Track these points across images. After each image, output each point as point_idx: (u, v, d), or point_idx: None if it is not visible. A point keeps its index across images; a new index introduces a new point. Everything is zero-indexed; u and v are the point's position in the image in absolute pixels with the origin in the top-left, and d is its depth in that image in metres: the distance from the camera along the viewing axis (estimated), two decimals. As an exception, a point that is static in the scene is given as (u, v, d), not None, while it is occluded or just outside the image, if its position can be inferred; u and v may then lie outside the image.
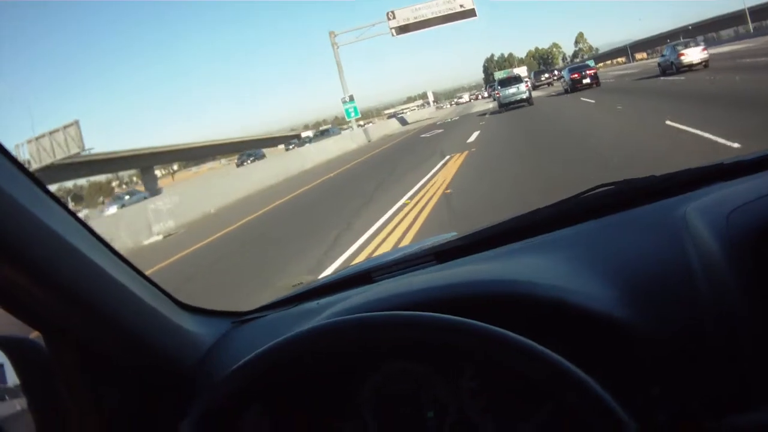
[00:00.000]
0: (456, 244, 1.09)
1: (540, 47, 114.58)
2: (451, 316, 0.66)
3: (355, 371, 0.76)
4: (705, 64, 21.09)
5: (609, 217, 0.98)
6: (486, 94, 64.42)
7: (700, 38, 26.67)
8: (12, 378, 0.81)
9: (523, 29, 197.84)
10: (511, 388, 0.68)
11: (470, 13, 34.77)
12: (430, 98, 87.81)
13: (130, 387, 0.84)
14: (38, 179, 0.73)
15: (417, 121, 45.11)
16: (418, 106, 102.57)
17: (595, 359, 0.69)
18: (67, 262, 0.72)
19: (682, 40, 26.31)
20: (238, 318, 1.08)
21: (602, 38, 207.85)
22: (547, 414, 0.68)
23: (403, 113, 70.23)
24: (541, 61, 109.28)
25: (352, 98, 33.97)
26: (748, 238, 0.70)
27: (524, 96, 25.46)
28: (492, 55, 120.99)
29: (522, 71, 29.64)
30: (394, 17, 34.84)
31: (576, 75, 27.15)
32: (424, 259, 1.09)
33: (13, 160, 0.70)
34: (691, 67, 21.13)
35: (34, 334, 0.80)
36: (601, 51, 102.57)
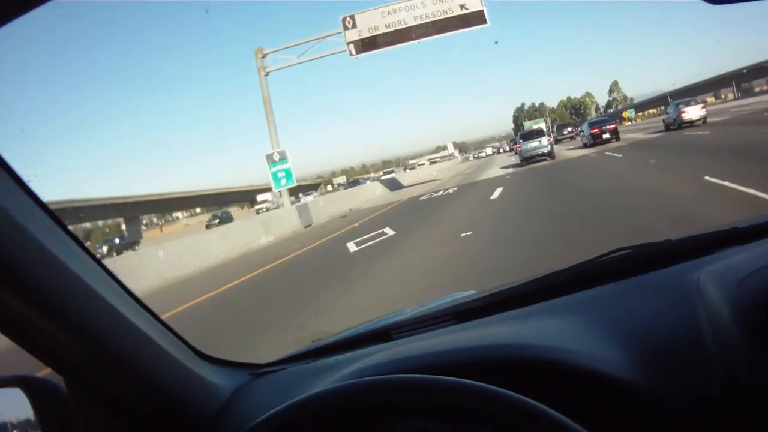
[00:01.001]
0: (475, 304, 1.15)
1: (572, 96, 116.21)
2: (469, 380, 0.69)
3: (374, 429, 0.78)
4: (703, 120, 25.31)
5: (625, 281, 1.03)
6: (507, 148, 65.17)
7: (699, 98, 30.06)
8: (30, 416, 0.85)
9: (556, 77, 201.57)
10: None
11: (478, 19, 20.89)
12: (450, 149, 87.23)
13: None
14: (64, 225, 0.78)
15: (417, 183, 36.57)
16: (441, 157, 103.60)
17: (609, 422, 0.75)
18: (90, 308, 0.77)
19: (683, 99, 29.78)
20: (257, 370, 1.13)
21: (637, 88, 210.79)
22: None
23: (415, 167, 71.69)
24: (573, 111, 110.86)
25: (283, 157, 20.92)
26: (758, 305, 0.74)
27: (546, 150, 26.96)
28: (522, 104, 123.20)
29: (542, 124, 31.04)
30: (353, 25, 21.19)
31: (596, 130, 28.67)
32: (443, 318, 1.14)
33: (48, 210, 0.76)
34: (691, 123, 25.27)
35: (52, 374, 0.84)
36: (636, 101, 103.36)
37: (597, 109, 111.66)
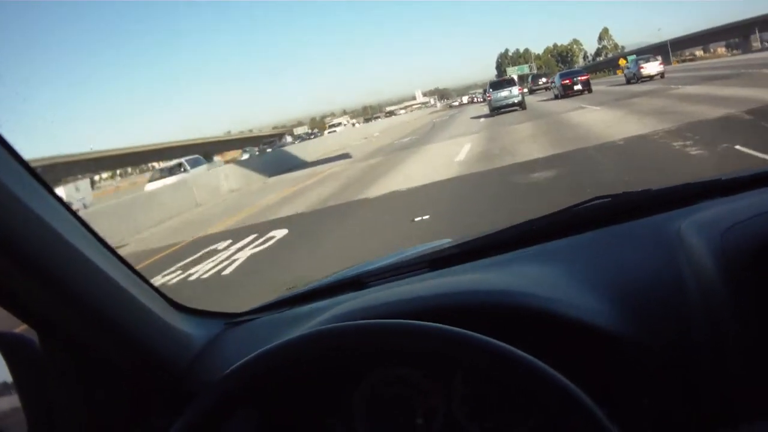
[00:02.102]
0: (450, 251, 1.17)
1: (559, 43, 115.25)
2: (444, 325, 0.70)
3: (348, 376, 0.82)
4: (661, 75, 29.47)
5: (605, 229, 1.05)
6: (480, 98, 63.77)
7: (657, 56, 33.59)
8: (4, 374, 0.85)
9: (542, 23, 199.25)
10: (501, 396, 0.75)
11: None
12: (420, 98, 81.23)
13: (121, 385, 0.90)
14: (38, 173, 0.78)
15: (361, 140, 33.74)
16: (420, 105, 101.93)
17: (586, 370, 0.75)
18: (61, 258, 0.78)
19: (643, 56, 34.26)
20: (231, 319, 1.17)
21: (630, 36, 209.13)
22: (534, 423, 0.75)
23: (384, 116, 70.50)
24: (559, 59, 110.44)
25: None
26: (743, 257, 0.76)
27: (516, 100, 27.12)
28: (506, 51, 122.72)
29: (514, 75, 30.80)
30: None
31: (568, 81, 29.14)
32: (418, 266, 1.17)
33: (13, 152, 0.75)
34: (651, 77, 29.37)
35: (26, 329, 0.84)
36: (627, 50, 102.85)
37: (585, 57, 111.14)
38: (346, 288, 1.19)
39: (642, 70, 29.61)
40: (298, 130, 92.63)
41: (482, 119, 27.02)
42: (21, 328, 0.86)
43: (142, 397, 0.91)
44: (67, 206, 0.83)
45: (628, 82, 31.48)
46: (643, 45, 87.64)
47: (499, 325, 0.78)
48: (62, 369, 0.86)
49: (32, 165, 0.78)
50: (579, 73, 30.64)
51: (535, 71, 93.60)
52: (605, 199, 1.14)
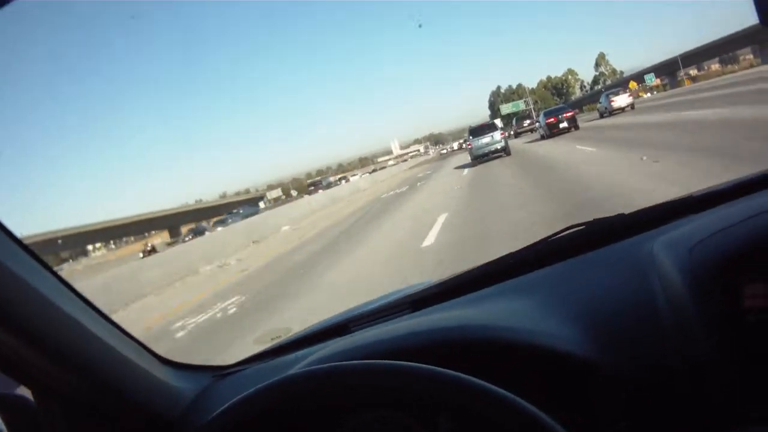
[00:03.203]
0: (430, 291, 1.24)
1: (554, 75, 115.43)
2: (422, 364, 0.73)
3: (329, 418, 0.83)
4: (631, 106, 32.57)
5: (580, 257, 1.10)
6: (455, 146, 61.76)
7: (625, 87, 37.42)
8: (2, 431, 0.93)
9: (533, 56, 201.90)
10: None
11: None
12: (395, 149, 77.28)
13: None
14: (21, 241, 0.86)
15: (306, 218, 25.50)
16: (414, 152, 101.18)
17: (566, 398, 0.81)
18: (51, 321, 0.84)
19: (612, 90, 37.49)
20: (219, 372, 1.24)
21: (627, 60, 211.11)
22: None
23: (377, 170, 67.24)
24: (555, 92, 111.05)
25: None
26: (709, 271, 0.80)
27: (499, 146, 26.08)
28: (498, 88, 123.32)
29: (497, 121, 28.82)
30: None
31: (552, 119, 28.42)
32: (400, 308, 1.23)
33: (2, 226, 0.83)
34: (622, 110, 32.45)
35: (20, 387, 0.93)
36: (627, 73, 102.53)
37: (582, 87, 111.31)
38: (331, 334, 1.26)
39: (612, 103, 33.29)
40: (272, 194, 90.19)
41: (465, 170, 25.11)
42: (20, 388, 0.94)
43: None
44: (54, 272, 0.91)
45: (601, 116, 34.83)
46: (646, 66, 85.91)
47: (478, 360, 0.85)
48: (57, 424, 0.93)
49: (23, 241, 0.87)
50: (563, 109, 29.96)
51: (531, 106, 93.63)
52: (579, 227, 1.19)
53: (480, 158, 26.49)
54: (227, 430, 0.80)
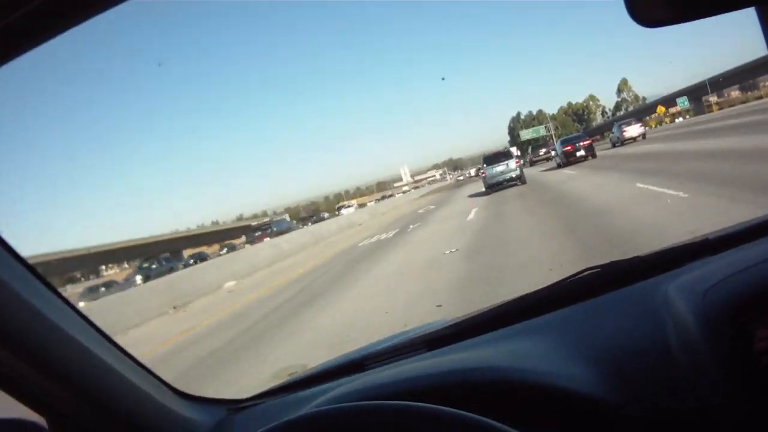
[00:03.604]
0: (446, 331, 1.25)
1: (573, 101, 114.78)
2: (437, 405, 0.74)
3: None
4: (643, 136, 33.47)
5: (596, 299, 1.12)
6: (472, 173, 60.55)
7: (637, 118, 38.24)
8: None
9: (554, 83, 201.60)
10: None
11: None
12: (405, 176, 74.30)
13: None
14: (38, 272, 0.87)
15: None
16: (431, 178, 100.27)
17: None
18: (66, 352, 0.86)
19: (624, 120, 38.26)
20: (234, 405, 1.26)
21: (649, 86, 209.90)
22: None
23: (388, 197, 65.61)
24: (576, 118, 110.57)
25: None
26: (722, 315, 0.81)
27: (514, 174, 25.54)
28: (518, 114, 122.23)
29: (513, 149, 27.92)
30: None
31: (569, 147, 28.13)
32: (416, 346, 1.25)
33: (12, 252, 0.84)
34: (634, 140, 33.26)
35: (35, 416, 0.93)
36: (650, 99, 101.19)
37: (603, 113, 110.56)
38: (347, 371, 1.27)
39: (624, 133, 34.11)
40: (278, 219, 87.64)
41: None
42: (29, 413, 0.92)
43: None
44: (69, 303, 0.93)
45: (614, 145, 35.14)
46: (668, 93, 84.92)
47: (494, 402, 0.88)
48: None
49: (32, 262, 0.88)
50: (580, 137, 29.62)
51: (552, 132, 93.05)
52: (595, 270, 1.20)
53: (494, 187, 25.98)
54: None
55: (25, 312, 0.82)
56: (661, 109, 68.51)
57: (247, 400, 1.29)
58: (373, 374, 1.18)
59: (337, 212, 64.24)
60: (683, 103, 66.98)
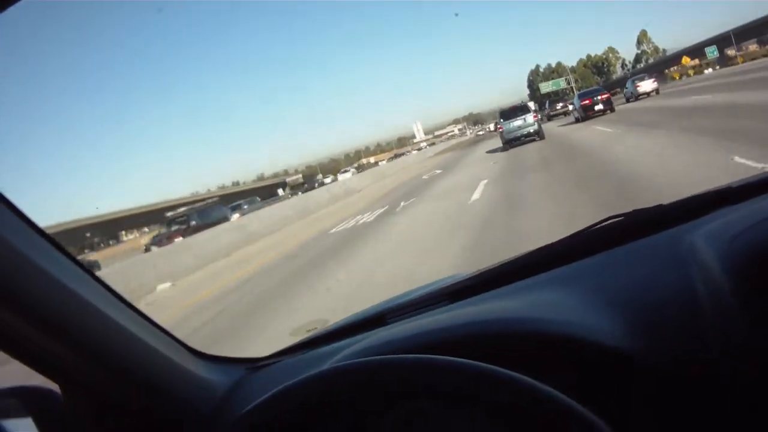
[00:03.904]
0: (468, 283, 1.27)
1: (593, 53, 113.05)
2: (457, 358, 0.76)
3: (369, 411, 0.85)
4: (656, 91, 34.69)
5: (619, 248, 1.12)
6: (491, 128, 59.96)
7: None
8: (30, 426, 0.96)
9: (573, 34, 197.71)
10: (523, 427, 0.74)
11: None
12: (418, 134, 66.04)
13: None
14: (48, 235, 0.87)
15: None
16: (450, 133, 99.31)
17: (605, 391, 0.83)
18: (79, 315, 0.86)
19: (638, 75, 39.76)
20: (253, 365, 1.27)
21: (669, 37, 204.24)
22: None
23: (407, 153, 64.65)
24: (595, 71, 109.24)
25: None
26: (750, 262, 0.81)
27: (532, 129, 25.47)
28: (537, 66, 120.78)
29: (531, 104, 27.16)
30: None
31: (587, 101, 28.25)
32: (437, 299, 1.26)
33: (22, 215, 0.84)
34: (648, 95, 34.31)
35: (47, 382, 0.93)
36: (670, 52, 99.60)
37: (623, 65, 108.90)
38: (367, 326, 1.27)
39: (638, 88, 35.10)
40: (293, 180, 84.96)
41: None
42: (41, 379, 0.91)
43: None
44: (83, 266, 0.92)
45: (627, 101, 36.09)
46: (691, 44, 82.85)
47: (516, 353, 0.87)
48: (86, 420, 0.94)
49: (49, 231, 0.87)
50: (599, 91, 29.56)
51: (572, 84, 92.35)
52: (618, 218, 1.20)
53: (511, 142, 25.88)
54: (264, 422, 0.82)
55: (36, 276, 0.82)
56: (686, 59, 65.39)
57: (265, 358, 1.29)
58: (394, 328, 1.18)
59: (335, 177, 59.79)
60: (713, 52, 64.26)
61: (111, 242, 69.93)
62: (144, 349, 0.97)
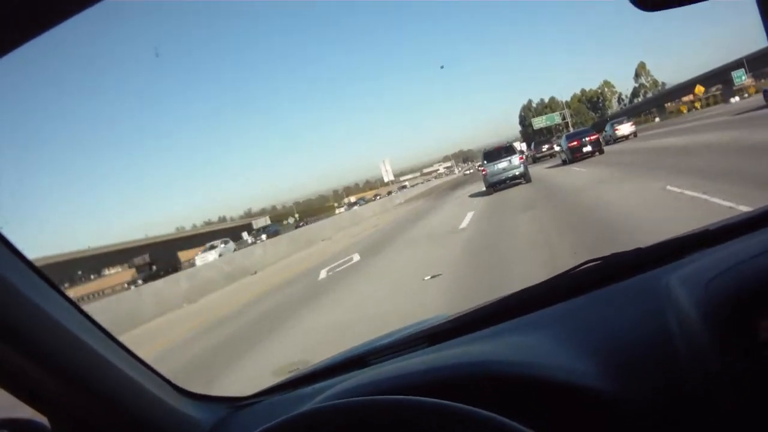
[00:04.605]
0: (447, 326, 1.29)
1: (588, 88, 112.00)
2: (437, 399, 0.77)
3: None
4: (634, 134, 36.25)
5: (597, 291, 1.14)
6: (467, 170, 57.21)
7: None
8: None
9: (567, 68, 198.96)
10: None
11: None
12: (386, 175, 58.67)
13: None
14: (41, 271, 0.89)
15: None
16: (436, 173, 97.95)
17: (582, 430, 0.85)
18: (70, 350, 0.88)
19: (616, 119, 42.15)
20: (236, 403, 1.28)
21: (668, 71, 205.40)
22: None
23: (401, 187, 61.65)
24: (590, 106, 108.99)
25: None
26: (725, 305, 0.82)
27: (518, 171, 23.88)
28: (529, 102, 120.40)
29: (517, 144, 26.29)
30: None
31: (575, 142, 27.31)
32: (417, 342, 1.29)
33: (16, 251, 0.86)
34: (626, 138, 35.77)
35: (36, 414, 0.94)
36: (669, 85, 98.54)
37: (620, 99, 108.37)
38: (349, 367, 1.30)
39: (617, 131, 36.86)
40: (259, 222, 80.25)
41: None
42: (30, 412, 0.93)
43: None
44: (72, 301, 0.95)
45: (606, 143, 35.79)
46: (695, 75, 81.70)
47: (496, 396, 0.90)
48: None
49: (36, 263, 0.90)
50: (587, 132, 28.70)
51: (568, 119, 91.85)
52: (596, 262, 1.24)
53: (496, 185, 24.15)
54: None
55: (27, 309, 0.83)
56: (699, 88, 61.58)
57: (248, 397, 1.31)
58: (375, 369, 1.20)
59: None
60: (740, 78, 58.27)
61: (93, 276, 69.54)
62: (130, 384, 0.98)
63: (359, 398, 0.85)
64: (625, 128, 37.13)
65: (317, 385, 1.24)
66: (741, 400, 0.77)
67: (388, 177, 58.56)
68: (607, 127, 39.52)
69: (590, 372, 0.91)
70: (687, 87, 73.70)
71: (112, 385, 0.95)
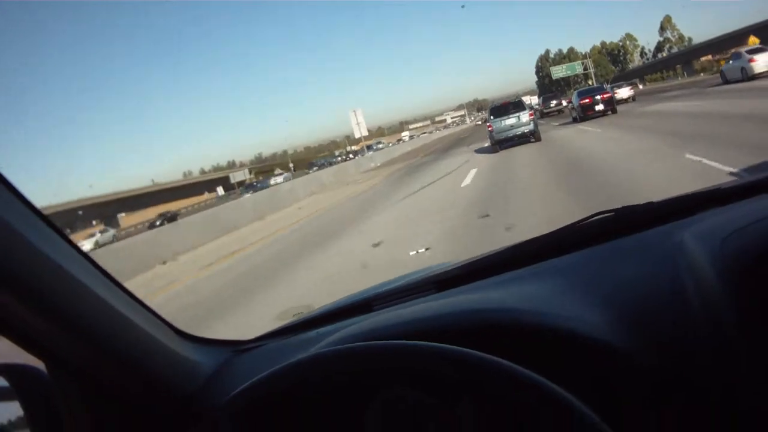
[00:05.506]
0: (455, 272, 1.29)
1: (608, 41, 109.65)
2: (443, 344, 0.78)
3: (352, 399, 0.86)
4: (633, 98, 37.50)
5: (607, 243, 1.16)
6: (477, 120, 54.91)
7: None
8: (14, 403, 0.99)
9: (587, 17, 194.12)
10: (508, 415, 0.76)
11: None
12: (357, 129, 39.66)
13: (130, 413, 1.00)
14: (38, 210, 0.89)
15: None
16: (454, 118, 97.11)
17: (590, 384, 0.84)
18: (67, 293, 0.88)
19: (616, 83, 44.03)
20: (238, 347, 1.29)
21: (695, 26, 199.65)
22: None
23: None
24: (611, 59, 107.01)
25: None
26: (742, 263, 0.83)
27: (527, 129, 22.63)
28: (547, 52, 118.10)
29: (527, 98, 24.97)
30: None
31: (587, 100, 26.84)
32: (424, 288, 1.30)
33: (12, 188, 0.86)
34: (625, 101, 36.60)
35: (33, 359, 0.94)
36: (695, 41, 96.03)
37: (643, 53, 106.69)
38: (354, 312, 1.32)
39: (616, 95, 35.00)
40: (238, 176, 78.27)
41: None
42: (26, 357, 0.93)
43: (152, 424, 1.02)
44: (71, 242, 0.94)
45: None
46: (719, 34, 79.61)
47: (501, 343, 0.89)
48: (71, 398, 0.97)
49: (44, 212, 0.91)
50: (599, 90, 28.33)
51: (590, 69, 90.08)
52: (608, 214, 1.25)
53: (502, 143, 22.88)
54: (252, 405, 0.85)
55: (25, 252, 0.83)
56: (753, 39, 57.76)
57: (251, 341, 1.33)
58: (380, 315, 1.21)
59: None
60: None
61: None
62: (131, 328, 0.98)
63: (363, 343, 0.87)
64: (623, 92, 38.85)
65: (320, 330, 1.26)
66: (756, 358, 0.77)
67: (359, 132, 40.84)
68: (608, 89, 35.11)
69: (600, 323, 0.91)
70: (735, 37, 66.29)
71: (111, 328, 0.95)
